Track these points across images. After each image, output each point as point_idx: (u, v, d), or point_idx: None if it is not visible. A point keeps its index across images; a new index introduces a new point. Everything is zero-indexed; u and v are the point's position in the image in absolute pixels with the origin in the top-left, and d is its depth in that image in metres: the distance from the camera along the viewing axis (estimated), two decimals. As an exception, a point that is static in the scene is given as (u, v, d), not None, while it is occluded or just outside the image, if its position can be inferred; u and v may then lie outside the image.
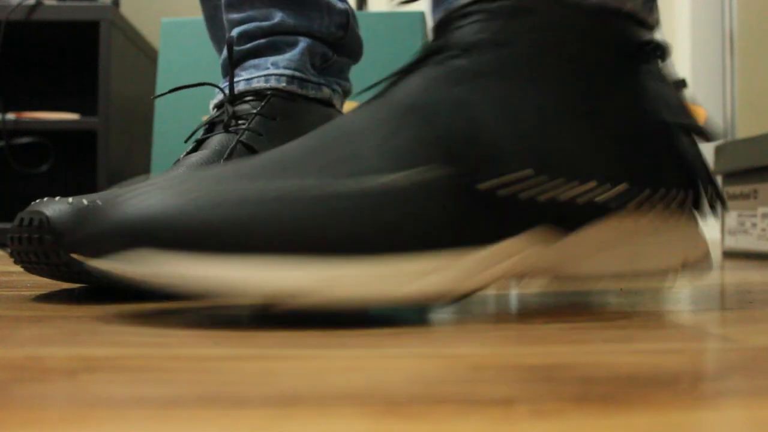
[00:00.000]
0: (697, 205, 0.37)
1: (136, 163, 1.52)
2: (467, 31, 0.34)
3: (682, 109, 0.36)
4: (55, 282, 0.49)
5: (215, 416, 0.16)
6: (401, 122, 0.32)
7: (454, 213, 0.30)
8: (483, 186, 0.31)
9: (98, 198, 0.37)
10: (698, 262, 0.39)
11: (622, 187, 0.33)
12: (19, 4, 1.31)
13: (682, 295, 0.43)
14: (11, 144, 1.44)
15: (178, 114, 0.96)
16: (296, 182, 0.29)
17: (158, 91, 0.93)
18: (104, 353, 0.23)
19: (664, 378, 0.21)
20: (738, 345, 0.26)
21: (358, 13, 0.92)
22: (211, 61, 0.97)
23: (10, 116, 1.33)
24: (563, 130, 0.33)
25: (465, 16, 0.35)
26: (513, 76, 0.33)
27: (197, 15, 1.86)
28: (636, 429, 0.16)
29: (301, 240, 0.27)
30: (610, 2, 0.36)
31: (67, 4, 1.33)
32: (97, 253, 0.28)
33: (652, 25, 0.38)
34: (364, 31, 0.78)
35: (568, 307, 0.37)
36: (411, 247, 0.29)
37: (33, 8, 1.32)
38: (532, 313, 0.35)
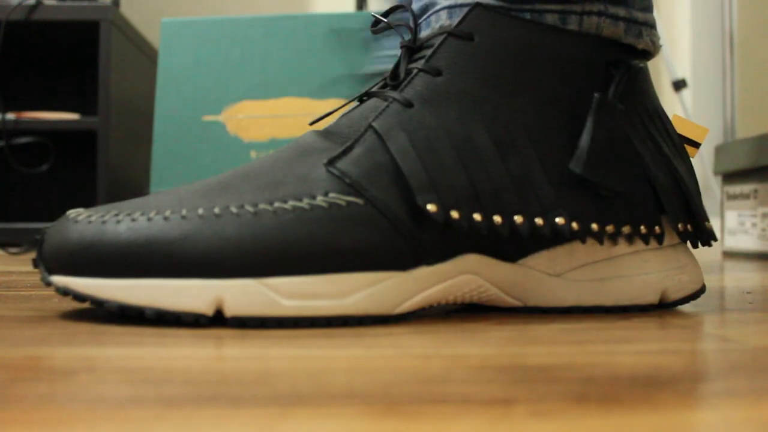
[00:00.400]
0: (685, 238, 0.36)
1: (136, 163, 1.51)
2: (415, 63, 0.34)
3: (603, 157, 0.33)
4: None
5: (215, 416, 0.16)
6: (325, 150, 0.32)
7: (370, 238, 0.30)
8: (394, 215, 0.30)
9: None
10: (682, 298, 0.36)
11: (576, 226, 0.32)
12: (19, 4, 1.31)
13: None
14: (11, 144, 1.44)
15: (178, 114, 0.96)
16: (226, 204, 0.30)
17: (158, 91, 0.93)
18: (104, 353, 0.23)
19: (664, 378, 0.21)
20: (738, 345, 0.26)
21: (357, 14, 0.93)
22: (212, 61, 0.97)
23: (10, 116, 1.33)
24: (486, 163, 0.32)
25: (422, 47, 0.35)
26: (441, 105, 0.33)
27: (197, 15, 1.87)
28: (636, 429, 0.16)
29: (224, 258, 0.29)
30: (570, 22, 0.34)
31: (67, 4, 1.33)
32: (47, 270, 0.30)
33: (636, 47, 0.36)
34: (362, 31, 0.78)
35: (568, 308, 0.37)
36: (333, 268, 0.30)
37: (33, 8, 1.32)
38: (532, 313, 0.35)
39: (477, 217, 0.31)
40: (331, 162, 0.31)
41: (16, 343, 0.25)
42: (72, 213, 0.30)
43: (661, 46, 0.38)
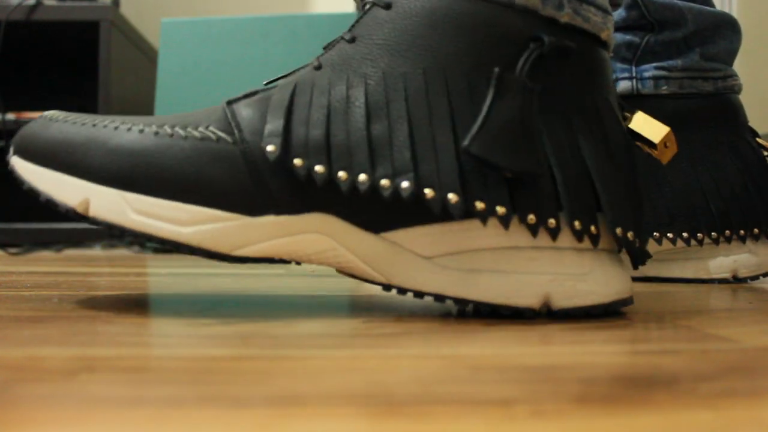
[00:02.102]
0: (580, 238, 0.32)
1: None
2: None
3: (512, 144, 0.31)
4: (55, 282, 0.49)
5: (215, 416, 0.16)
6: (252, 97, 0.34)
7: (224, 176, 0.32)
8: (252, 158, 0.32)
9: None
10: (572, 308, 0.32)
11: (431, 193, 0.30)
12: (19, 4, 1.31)
13: (682, 296, 0.43)
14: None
15: (178, 114, 0.96)
16: (140, 127, 0.33)
17: (157, 91, 0.93)
18: (104, 353, 0.23)
19: (664, 378, 0.21)
20: (738, 345, 0.26)
21: (356, 14, 0.93)
22: (212, 61, 0.97)
23: (10, 116, 1.33)
24: (350, 122, 0.32)
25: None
26: (342, 69, 0.33)
27: (197, 15, 1.86)
28: (636, 429, 0.16)
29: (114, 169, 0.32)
30: None
31: (67, 4, 1.33)
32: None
33: (558, 21, 0.33)
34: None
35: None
36: (182, 197, 0.32)
37: (33, 8, 1.32)
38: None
39: (319, 168, 0.31)
40: (229, 102, 0.34)
41: (16, 343, 0.25)
42: (50, 112, 0.36)
43: (608, 29, 0.35)
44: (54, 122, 0.34)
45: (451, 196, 0.30)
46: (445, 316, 0.34)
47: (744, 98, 0.63)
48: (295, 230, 0.32)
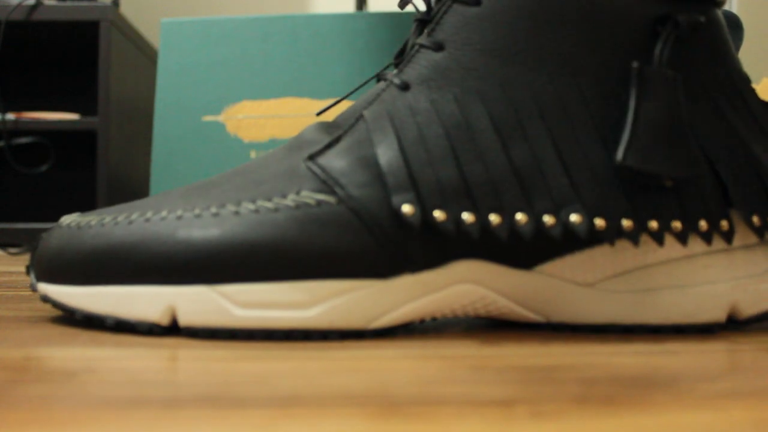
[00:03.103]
0: (763, 234, 0.28)
1: (136, 163, 1.51)
2: (421, 37, 0.30)
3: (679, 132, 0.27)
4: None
5: (215, 416, 0.16)
6: (318, 143, 0.29)
7: (339, 241, 0.26)
8: (370, 216, 0.27)
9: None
10: (761, 313, 0.29)
11: (602, 223, 0.26)
12: (19, 4, 1.31)
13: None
14: (11, 144, 1.44)
15: (178, 114, 0.96)
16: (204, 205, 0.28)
17: (158, 91, 0.93)
18: (104, 353, 0.23)
19: (664, 378, 0.21)
20: (738, 345, 0.26)
21: (357, 14, 0.93)
22: (212, 61, 0.97)
23: (10, 116, 1.33)
24: (483, 152, 0.27)
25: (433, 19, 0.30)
26: (440, 86, 0.28)
27: (197, 15, 1.86)
28: (636, 429, 0.16)
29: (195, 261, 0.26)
30: None
31: (67, 4, 1.33)
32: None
33: None
34: (363, 31, 0.78)
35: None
36: (294, 275, 0.26)
37: (33, 8, 1.32)
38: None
39: (467, 217, 0.26)
40: (311, 156, 0.28)
41: (16, 343, 0.25)
42: (64, 219, 0.30)
43: None
44: (84, 230, 0.28)
45: (625, 222, 0.27)
46: (445, 317, 0.34)
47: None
48: (437, 286, 0.28)
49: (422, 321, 0.29)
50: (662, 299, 0.28)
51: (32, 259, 0.30)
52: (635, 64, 0.27)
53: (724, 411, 0.17)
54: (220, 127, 0.94)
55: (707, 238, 0.28)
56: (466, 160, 0.27)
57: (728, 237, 0.28)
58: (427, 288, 0.27)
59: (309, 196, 0.27)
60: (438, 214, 0.26)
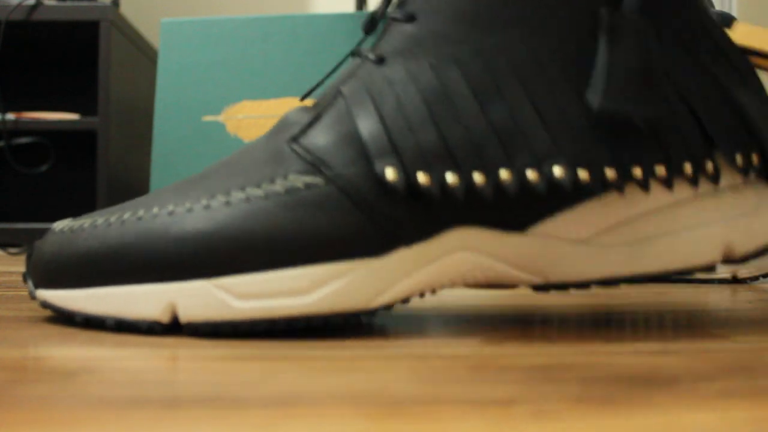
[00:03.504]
0: (747, 172, 0.28)
1: (136, 163, 1.52)
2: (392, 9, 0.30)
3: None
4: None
5: (215, 416, 0.16)
6: (299, 123, 0.29)
7: (331, 223, 0.26)
8: (359, 193, 0.27)
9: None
10: (756, 250, 0.29)
11: (585, 174, 0.27)
12: (19, 4, 1.31)
13: (682, 296, 0.43)
14: (11, 144, 1.44)
15: (178, 114, 0.96)
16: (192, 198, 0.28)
17: (158, 91, 0.93)
18: (104, 353, 0.23)
19: (664, 378, 0.21)
20: (738, 345, 0.26)
21: (357, 14, 0.93)
22: (212, 61, 0.97)
23: (10, 116, 1.33)
24: (462, 114, 0.27)
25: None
26: (415, 55, 0.28)
27: (197, 15, 1.86)
28: (636, 429, 0.16)
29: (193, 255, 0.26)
30: None
31: (67, 4, 1.33)
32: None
33: None
34: (362, 32, 0.78)
35: (568, 307, 0.37)
36: (290, 261, 0.26)
37: (33, 8, 1.32)
38: (533, 313, 0.35)
39: (451, 178, 0.26)
40: (293, 138, 0.28)
41: (16, 343, 0.25)
42: (57, 224, 0.30)
43: None
44: (78, 233, 0.28)
45: (608, 172, 0.27)
46: (445, 316, 0.34)
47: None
48: (433, 257, 0.28)
49: (422, 295, 0.29)
50: (656, 247, 0.28)
51: (28, 266, 0.30)
52: (603, 11, 0.28)
53: (724, 411, 0.17)
54: (220, 127, 0.94)
55: (693, 181, 0.28)
56: (446, 123, 0.27)
57: (714, 178, 0.28)
58: (423, 260, 0.28)
59: (297, 179, 0.27)
60: (422, 177, 0.26)
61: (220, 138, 0.93)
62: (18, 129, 1.34)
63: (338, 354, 0.24)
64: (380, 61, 0.29)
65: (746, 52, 0.32)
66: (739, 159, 0.28)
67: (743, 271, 0.55)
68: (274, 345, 0.25)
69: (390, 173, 0.26)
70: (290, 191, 0.27)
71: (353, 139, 0.27)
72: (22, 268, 0.66)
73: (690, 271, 0.29)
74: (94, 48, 1.48)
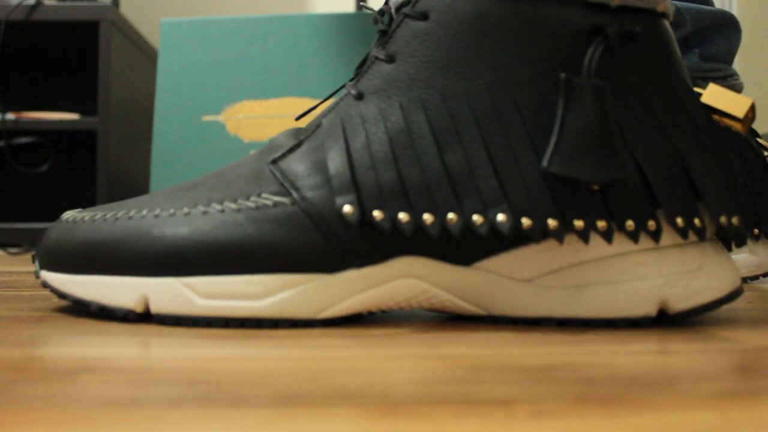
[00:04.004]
0: (685, 235, 0.29)
1: (136, 163, 1.51)
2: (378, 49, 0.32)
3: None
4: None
5: (215, 416, 0.16)
6: (284, 147, 0.32)
7: (291, 239, 0.29)
8: (319, 216, 0.29)
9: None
10: (691, 309, 0.30)
11: (528, 222, 0.28)
12: (19, 4, 1.31)
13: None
14: (11, 144, 1.44)
15: (178, 114, 0.96)
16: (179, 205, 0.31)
17: (158, 91, 0.93)
18: (104, 353, 0.23)
19: (665, 378, 0.21)
20: (738, 345, 0.26)
21: (357, 14, 0.93)
22: (212, 61, 0.97)
23: (10, 116, 1.33)
24: (420, 156, 0.29)
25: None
26: (390, 95, 0.31)
27: (197, 15, 1.87)
28: (636, 429, 0.16)
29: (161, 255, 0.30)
30: None
31: (67, 4, 1.33)
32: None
33: (634, 5, 0.30)
34: (362, 32, 0.78)
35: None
36: (250, 269, 0.29)
37: (33, 8, 1.32)
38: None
39: (403, 216, 0.28)
40: (274, 161, 0.31)
41: (16, 343, 0.25)
42: (66, 214, 0.33)
43: (673, 8, 0.31)
44: (78, 224, 0.31)
45: (550, 222, 0.28)
46: (445, 316, 0.34)
47: (745, 95, 0.63)
48: (381, 280, 0.30)
49: (370, 312, 0.31)
50: (594, 294, 0.30)
51: (37, 248, 0.33)
52: (563, 75, 0.29)
53: (724, 411, 0.17)
54: (220, 127, 0.94)
55: (634, 236, 0.29)
56: (405, 164, 0.29)
57: (655, 236, 0.30)
58: (371, 282, 0.30)
59: (268, 198, 0.30)
60: (377, 214, 0.29)
61: (220, 138, 0.93)
62: (18, 129, 1.34)
63: (338, 354, 0.24)
64: (359, 97, 0.31)
65: (715, 113, 0.33)
66: (679, 221, 0.29)
67: (743, 270, 0.55)
68: (274, 345, 0.25)
69: (348, 209, 0.29)
70: (260, 207, 0.30)
71: (323, 167, 0.30)
72: (23, 268, 0.66)
73: (624, 321, 0.30)
74: (94, 48, 1.48)
